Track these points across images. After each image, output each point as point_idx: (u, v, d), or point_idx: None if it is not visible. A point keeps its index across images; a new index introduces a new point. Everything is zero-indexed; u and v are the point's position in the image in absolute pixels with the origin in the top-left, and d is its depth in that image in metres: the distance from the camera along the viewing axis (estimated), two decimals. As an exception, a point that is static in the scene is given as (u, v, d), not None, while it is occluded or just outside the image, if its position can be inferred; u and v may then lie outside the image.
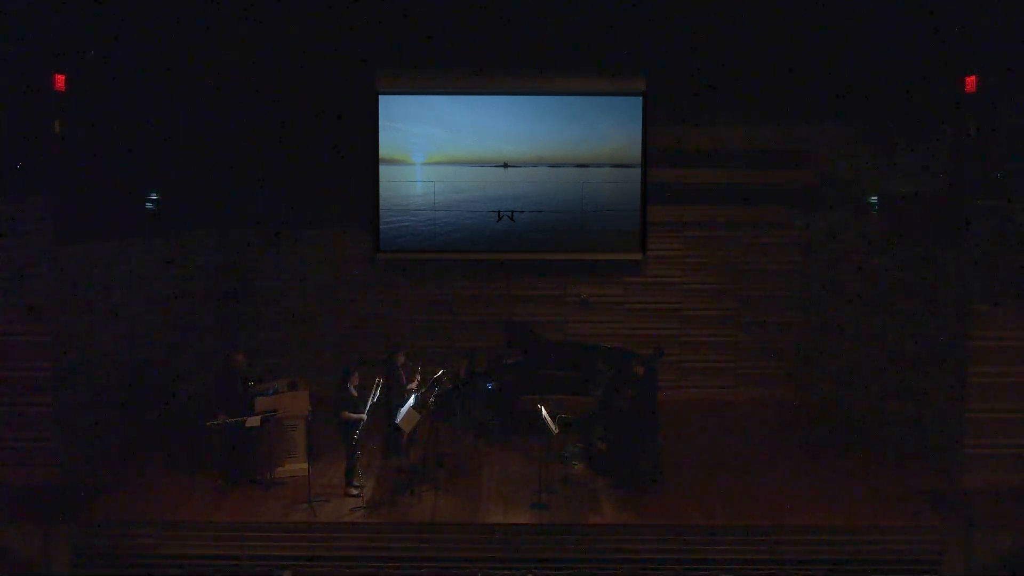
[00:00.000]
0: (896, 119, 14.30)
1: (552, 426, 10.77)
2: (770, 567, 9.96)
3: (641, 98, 14.94)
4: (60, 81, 12.31)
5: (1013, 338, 10.82)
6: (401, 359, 11.76)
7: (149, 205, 13.94)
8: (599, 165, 15.11)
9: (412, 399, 10.98)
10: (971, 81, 12.41)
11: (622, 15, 14.89)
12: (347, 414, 10.75)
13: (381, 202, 15.13)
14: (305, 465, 11.04)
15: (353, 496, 10.80)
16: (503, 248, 15.17)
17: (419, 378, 11.79)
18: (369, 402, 10.80)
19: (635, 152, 15.02)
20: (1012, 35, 11.84)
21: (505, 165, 15.10)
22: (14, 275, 10.02)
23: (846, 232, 14.05)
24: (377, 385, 10.91)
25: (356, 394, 10.87)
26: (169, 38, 14.73)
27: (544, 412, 10.90)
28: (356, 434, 10.77)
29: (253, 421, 10.84)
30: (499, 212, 15.14)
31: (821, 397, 14.55)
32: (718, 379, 15.42)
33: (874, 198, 14.03)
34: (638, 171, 15.04)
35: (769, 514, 10.46)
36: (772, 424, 13.96)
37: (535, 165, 15.12)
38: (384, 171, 15.12)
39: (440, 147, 15.15)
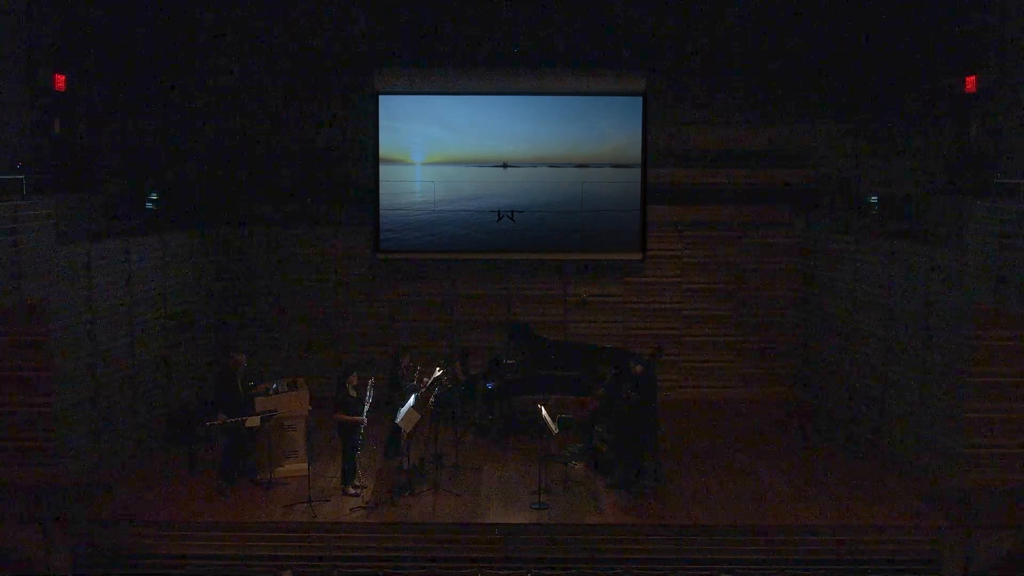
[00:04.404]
0: (896, 119, 14.31)
1: (552, 426, 10.77)
2: (770, 567, 9.96)
3: (641, 98, 14.94)
4: (60, 81, 12.32)
5: (1013, 338, 10.81)
6: (406, 360, 11.77)
7: (149, 205, 13.94)
8: (599, 165, 15.10)
9: (412, 399, 10.98)
10: (971, 81, 12.42)
11: (622, 15, 14.92)
12: (342, 416, 10.74)
13: (381, 202, 15.14)
14: (305, 465, 11.05)
15: (352, 496, 10.80)
16: (503, 248, 15.17)
17: (419, 376, 11.78)
18: (366, 404, 10.81)
19: (635, 152, 15.03)
20: (1012, 35, 11.84)
21: (505, 165, 15.10)
22: (14, 275, 9.99)
23: (845, 232, 14.05)
24: (371, 386, 10.92)
25: (355, 394, 10.87)
26: (169, 38, 14.77)
27: (544, 412, 10.90)
28: (360, 438, 10.79)
29: (253, 421, 10.85)
30: (499, 212, 15.14)
31: (821, 397, 14.55)
32: (718, 379, 15.43)
33: (874, 198, 14.03)
34: (638, 171, 15.04)
35: (769, 514, 10.47)
36: (772, 424, 13.97)
37: (535, 165, 15.12)
38: (384, 171, 15.12)
39: (440, 147, 15.15)
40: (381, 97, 15.03)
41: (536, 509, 10.52)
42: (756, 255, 15.30)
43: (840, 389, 13.86)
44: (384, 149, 15.11)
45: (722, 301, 15.37)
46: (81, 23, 13.11)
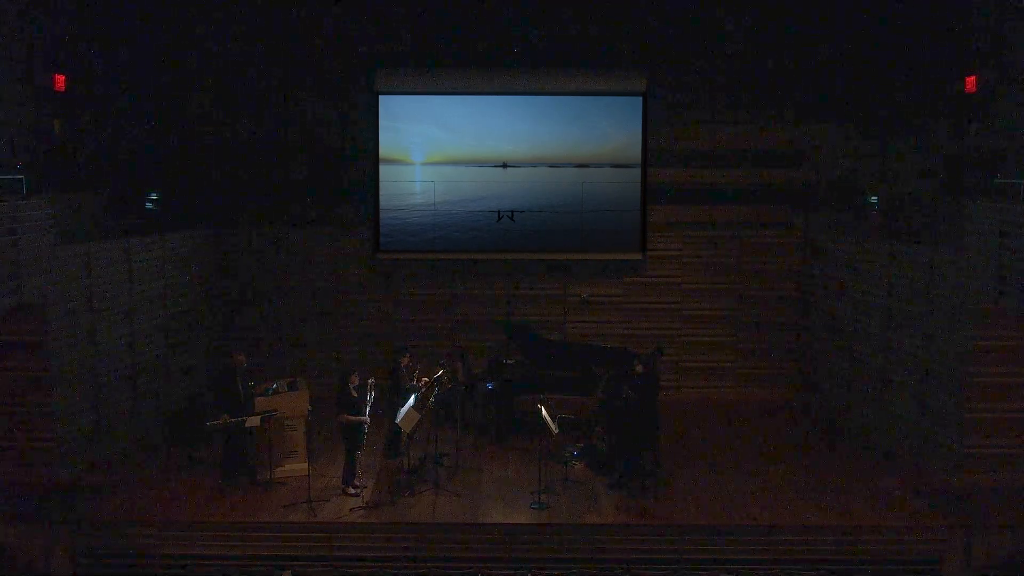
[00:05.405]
0: (896, 119, 14.31)
1: (552, 426, 10.77)
2: (770, 567, 9.96)
3: (641, 98, 14.95)
4: (60, 81, 12.32)
5: (1013, 338, 10.82)
6: (405, 360, 11.77)
7: (149, 205, 13.94)
8: (599, 165, 15.11)
9: (412, 399, 10.98)
10: (971, 81, 12.42)
11: (622, 15, 14.92)
12: (346, 417, 10.75)
13: (381, 202, 15.13)
14: (305, 465, 11.05)
15: (352, 496, 10.81)
16: (503, 248, 15.17)
17: (420, 377, 11.77)
18: (368, 404, 10.82)
19: (635, 152, 15.03)
20: (1012, 35, 11.84)
21: (504, 165, 15.10)
22: (14, 275, 10.00)
23: (845, 232, 14.06)
24: (371, 386, 10.92)
25: (356, 394, 10.87)
26: (169, 38, 14.77)
27: (544, 412, 10.89)
28: (363, 437, 10.81)
29: (253, 421, 10.85)
30: (499, 212, 15.14)
31: (821, 397, 14.55)
32: (718, 379, 15.43)
33: (874, 198, 14.03)
34: (638, 171, 15.05)
35: (769, 514, 10.46)
36: (772, 424, 13.96)
37: (535, 165, 15.12)
38: (384, 171, 15.13)
39: (439, 147, 15.15)
40: (381, 97, 15.03)
41: (536, 509, 10.52)
42: (756, 255, 15.30)
43: (840, 389, 13.87)
44: (384, 149, 15.11)
45: (722, 301, 15.37)
46: (81, 23, 13.11)
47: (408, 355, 11.93)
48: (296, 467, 11.32)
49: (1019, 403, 10.95)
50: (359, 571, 9.95)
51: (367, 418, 10.82)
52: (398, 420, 10.78)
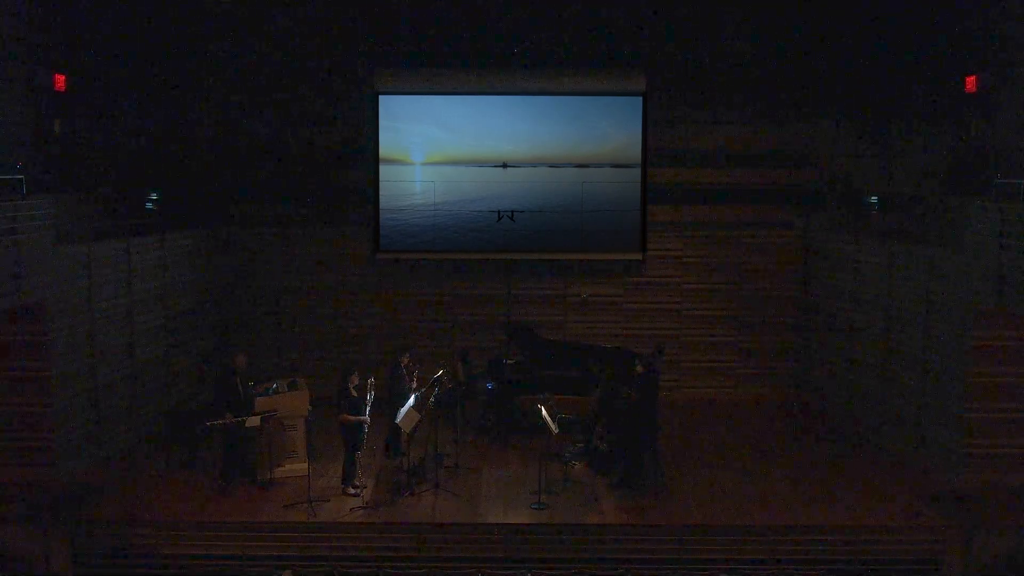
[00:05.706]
0: (896, 119, 14.31)
1: (552, 426, 10.77)
2: (770, 567, 9.96)
3: (641, 98, 14.95)
4: (60, 81, 12.31)
5: (1013, 338, 10.82)
6: (405, 360, 11.77)
7: (149, 205, 13.94)
8: (599, 165, 15.11)
9: (412, 399, 10.98)
10: (971, 81, 12.41)
11: (622, 16, 14.92)
12: (347, 417, 10.75)
13: (381, 202, 15.13)
14: (305, 465, 11.04)
15: (352, 496, 10.80)
16: (503, 248, 15.17)
17: (418, 376, 11.77)
18: (368, 403, 10.82)
19: (635, 152, 15.03)
20: (1012, 35, 11.84)
21: (504, 165, 15.10)
22: (14, 275, 10.00)
23: (846, 232, 14.06)
24: (371, 386, 10.92)
25: (356, 394, 10.87)
26: (170, 38, 14.77)
27: (544, 412, 10.89)
28: (363, 436, 10.81)
29: (253, 421, 10.85)
30: (499, 212, 15.14)
31: (821, 397, 14.55)
32: (718, 379, 15.43)
33: (874, 198, 14.03)
34: (638, 171, 15.04)
35: (769, 514, 10.46)
36: (772, 424, 13.96)
37: (535, 165, 15.12)
38: (384, 171, 15.12)
39: (439, 147, 15.15)
40: (381, 97, 15.03)
41: (536, 509, 10.52)
42: (756, 255, 15.30)
43: (840, 389, 13.86)
44: (384, 149, 15.11)
45: (722, 301, 15.36)
46: (81, 23, 13.11)
47: (408, 355, 11.93)
48: (296, 467, 11.32)
49: (1019, 403, 10.95)
50: (359, 571, 9.95)
51: (367, 418, 10.82)
52: (398, 420, 10.78)
